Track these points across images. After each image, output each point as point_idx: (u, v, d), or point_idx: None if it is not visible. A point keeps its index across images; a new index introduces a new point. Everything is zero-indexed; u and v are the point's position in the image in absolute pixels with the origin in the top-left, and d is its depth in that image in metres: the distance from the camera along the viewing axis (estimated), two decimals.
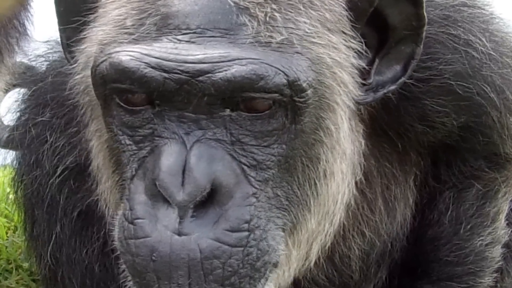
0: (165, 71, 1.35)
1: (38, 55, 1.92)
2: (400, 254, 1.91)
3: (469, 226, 1.89)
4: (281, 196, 1.44)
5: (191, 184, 1.35)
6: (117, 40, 1.42)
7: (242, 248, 1.37)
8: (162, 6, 1.40)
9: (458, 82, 1.70)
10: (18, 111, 1.91)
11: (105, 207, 1.64)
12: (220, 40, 1.36)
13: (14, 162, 1.97)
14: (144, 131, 1.41)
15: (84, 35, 1.52)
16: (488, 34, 1.75)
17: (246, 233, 1.37)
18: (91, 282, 1.79)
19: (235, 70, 1.34)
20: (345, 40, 1.48)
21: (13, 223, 2.47)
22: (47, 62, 1.89)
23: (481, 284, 1.92)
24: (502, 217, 1.96)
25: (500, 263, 1.97)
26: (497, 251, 1.94)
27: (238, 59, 1.34)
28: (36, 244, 1.88)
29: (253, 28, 1.38)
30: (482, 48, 1.71)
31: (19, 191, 1.90)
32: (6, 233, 2.42)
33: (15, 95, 2.06)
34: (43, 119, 1.78)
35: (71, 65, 1.57)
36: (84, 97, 1.55)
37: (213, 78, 1.34)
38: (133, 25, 1.41)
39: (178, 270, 1.35)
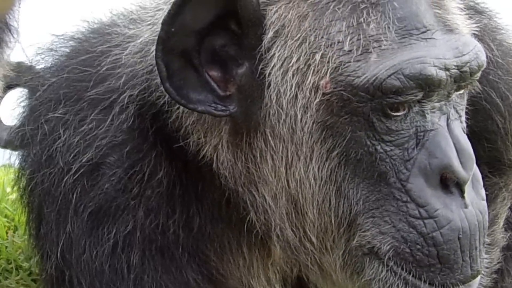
0: (447, 69, 1.53)
1: (51, 49, 1.87)
2: None
3: None
4: None
5: (469, 161, 1.57)
6: (375, 51, 1.52)
7: None
8: (392, 10, 1.53)
9: None
10: (27, 106, 1.86)
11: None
12: (445, 33, 1.57)
13: (19, 159, 1.91)
14: (407, 132, 1.56)
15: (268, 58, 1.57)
16: (496, 42, 1.78)
17: None
18: (100, 283, 1.73)
19: (481, 55, 1.59)
20: None
21: (13, 223, 2.41)
22: (60, 57, 1.85)
23: None
24: (501, 221, 2.01)
25: (500, 263, 2.00)
26: (495, 254, 1.96)
27: (476, 46, 1.59)
28: (43, 243, 1.82)
29: (451, 21, 1.60)
30: (490, 55, 1.74)
31: (27, 188, 1.84)
32: (6, 233, 2.36)
33: (16, 95, 2.02)
34: (56, 115, 1.73)
35: (175, 97, 1.56)
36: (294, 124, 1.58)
37: (470, 66, 1.56)
38: (377, 34, 1.52)
39: (475, 236, 1.58)
